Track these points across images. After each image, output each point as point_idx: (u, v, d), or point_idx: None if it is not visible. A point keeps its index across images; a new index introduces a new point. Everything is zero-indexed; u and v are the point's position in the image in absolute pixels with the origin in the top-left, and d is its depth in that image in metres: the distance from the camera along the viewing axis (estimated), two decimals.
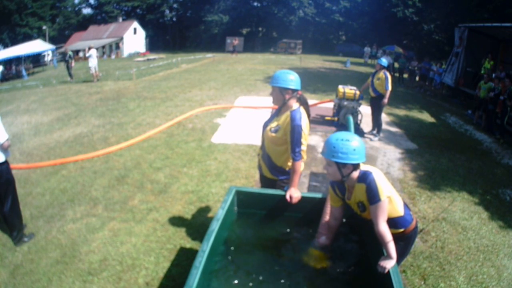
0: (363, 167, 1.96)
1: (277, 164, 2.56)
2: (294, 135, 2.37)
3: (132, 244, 3.19)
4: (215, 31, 37.51)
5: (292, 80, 2.43)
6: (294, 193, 2.38)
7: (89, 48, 14.30)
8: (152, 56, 29.33)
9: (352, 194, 2.01)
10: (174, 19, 45.28)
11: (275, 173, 2.59)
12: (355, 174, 1.94)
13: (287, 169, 2.56)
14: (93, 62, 13.64)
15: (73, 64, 15.01)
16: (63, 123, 7.40)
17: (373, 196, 1.85)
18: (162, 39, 45.36)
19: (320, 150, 5.71)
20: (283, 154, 2.52)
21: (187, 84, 12.02)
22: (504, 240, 3.53)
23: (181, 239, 3.27)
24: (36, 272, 2.86)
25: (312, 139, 6.20)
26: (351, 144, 1.87)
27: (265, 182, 2.72)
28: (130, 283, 2.73)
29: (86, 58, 15.92)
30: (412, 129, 7.48)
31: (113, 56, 34.63)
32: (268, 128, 2.55)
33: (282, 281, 1.96)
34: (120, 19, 41.34)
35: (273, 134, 2.49)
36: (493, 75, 10.08)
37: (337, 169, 1.93)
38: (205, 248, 1.82)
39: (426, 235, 3.53)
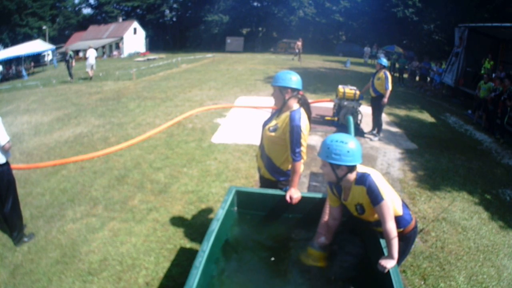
0: (360, 168, 1.96)
1: (276, 165, 2.55)
2: (293, 135, 2.36)
3: (132, 244, 3.19)
4: (215, 31, 37.51)
5: (292, 79, 2.42)
6: (294, 194, 2.38)
7: (89, 48, 15.16)
8: (152, 56, 29.32)
9: (348, 195, 2.00)
10: (174, 19, 45.26)
11: (274, 174, 2.58)
12: (351, 176, 1.94)
13: (286, 170, 2.55)
14: (90, 61, 14.49)
15: (73, 64, 15.10)
16: (63, 123, 7.40)
17: (375, 196, 1.85)
18: (162, 39, 45.35)
19: None
20: (283, 155, 2.50)
21: (187, 84, 12.02)
22: (504, 240, 3.53)
23: (181, 239, 3.27)
24: (36, 272, 2.86)
25: (312, 139, 6.20)
26: (346, 146, 1.86)
27: (264, 182, 2.71)
28: (130, 283, 2.73)
29: (85, 58, 16.52)
30: (412, 129, 7.48)
31: (115, 54, 34.68)
32: (267, 127, 2.54)
33: (282, 281, 1.97)
34: (120, 19, 41.33)
35: (272, 134, 2.48)
36: (493, 75, 10.07)
37: (331, 170, 1.94)
38: (205, 248, 1.82)
39: (426, 235, 3.53)
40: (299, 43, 21.60)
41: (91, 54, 14.44)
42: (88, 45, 17.57)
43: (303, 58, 21.61)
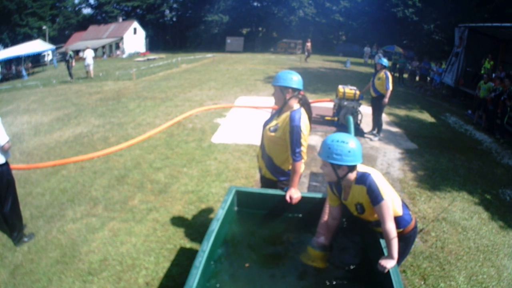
0: (361, 168, 1.96)
1: (277, 165, 2.55)
2: (293, 135, 2.36)
3: (132, 244, 3.20)
4: (215, 31, 37.50)
5: (293, 79, 2.42)
6: (294, 194, 2.38)
7: (86, 48, 15.88)
8: (152, 56, 29.31)
9: (349, 195, 2.01)
10: (174, 19, 45.26)
11: (275, 174, 2.58)
12: (352, 175, 1.94)
13: (286, 170, 2.55)
14: (87, 61, 15.20)
15: (73, 64, 15.17)
16: (63, 123, 7.40)
17: (375, 196, 1.85)
18: (162, 39, 45.33)
19: None
20: (283, 154, 2.51)
21: (187, 84, 12.02)
22: (504, 240, 3.53)
23: (181, 239, 3.27)
24: (36, 272, 2.86)
25: (312, 139, 6.20)
26: (347, 146, 1.86)
27: (265, 182, 2.71)
28: (130, 283, 2.73)
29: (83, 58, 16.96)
30: (412, 129, 7.48)
31: (118, 54, 34.77)
32: (268, 127, 2.55)
33: (282, 280, 1.97)
34: (120, 19, 41.31)
35: (272, 134, 2.48)
36: (493, 75, 10.06)
37: (332, 170, 1.94)
38: (205, 248, 1.82)
39: (426, 235, 3.53)
40: (309, 44, 21.51)
41: (88, 55, 15.08)
42: (86, 45, 17.81)
43: (303, 58, 21.63)
